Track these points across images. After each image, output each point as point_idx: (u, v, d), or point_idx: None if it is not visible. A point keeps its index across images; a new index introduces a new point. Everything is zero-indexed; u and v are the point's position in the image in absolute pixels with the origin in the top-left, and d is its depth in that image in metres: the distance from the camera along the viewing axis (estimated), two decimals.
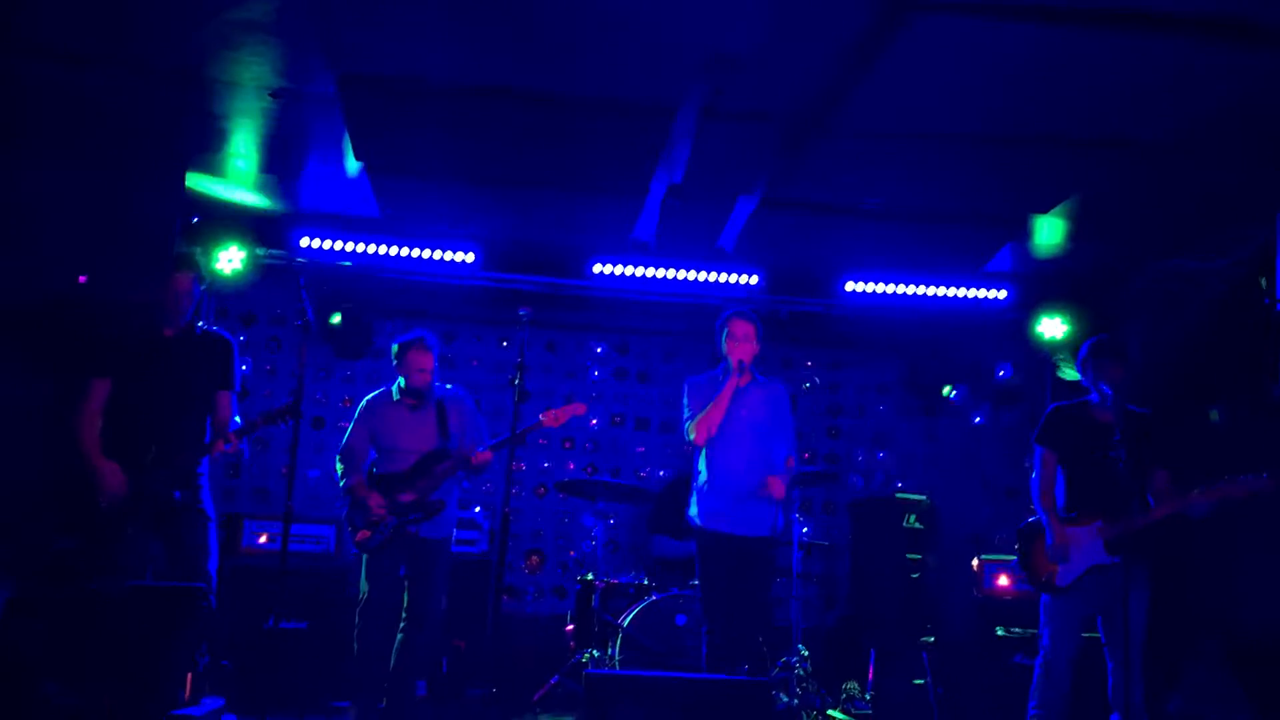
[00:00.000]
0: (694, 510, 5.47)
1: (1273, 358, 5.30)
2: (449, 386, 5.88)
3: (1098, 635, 5.02)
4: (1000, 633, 6.86)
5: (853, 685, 6.83)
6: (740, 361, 5.35)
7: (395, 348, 5.72)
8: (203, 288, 5.33)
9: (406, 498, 5.52)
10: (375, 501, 5.51)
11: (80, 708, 3.91)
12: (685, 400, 5.54)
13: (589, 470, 8.28)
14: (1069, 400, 5.33)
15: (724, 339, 5.44)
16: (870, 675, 7.08)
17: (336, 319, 7.49)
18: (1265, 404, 5.44)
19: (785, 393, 5.62)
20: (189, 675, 4.26)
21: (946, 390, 8.10)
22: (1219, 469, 4.80)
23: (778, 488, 5.25)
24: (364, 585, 5.58)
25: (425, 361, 5.65)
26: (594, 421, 8.36)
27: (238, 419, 5.13)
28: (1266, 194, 5.32)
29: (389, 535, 5.49)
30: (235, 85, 5.12)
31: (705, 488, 5.42)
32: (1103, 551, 4.88)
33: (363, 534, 5.51)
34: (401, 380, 5.70)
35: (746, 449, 5.37)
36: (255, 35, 4.61)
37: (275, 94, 5.19)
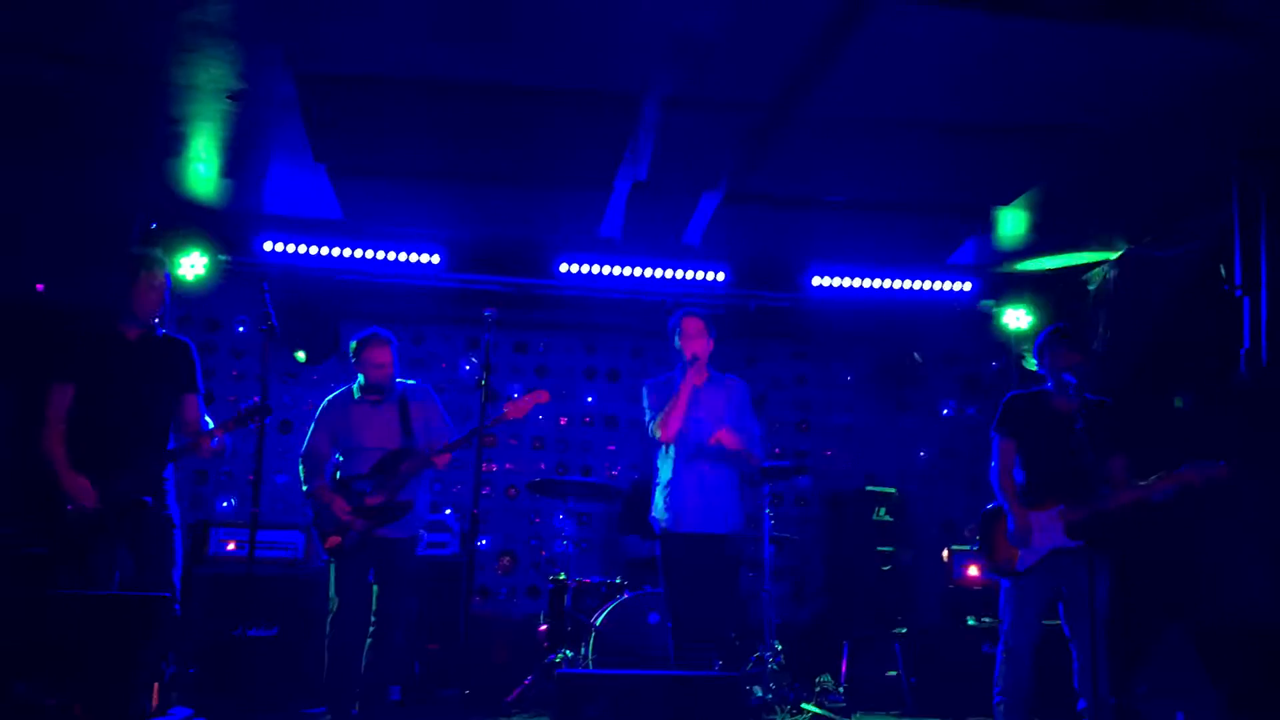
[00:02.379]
0: (658, 512, 5.44)
1: (1234, 343, 5.34)
2: (410, 382, 5.82)
3: (1058, 622, 5.04)
4: (971, 622, 6.92)
5: (826, 678, 6.84)
6: (694, 355, 5.35)
7: (353, 345, 5.66)
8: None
9: (374, 500, 5.44)
10: (340, 506, 5.43)
11: (48, 717, 3.86)
12: (645, 404, 5.54)
13: (560, 470, 8.26)
14: (1026, 389, 5.34)
15: (677, 338, 5.47)
16: (844, 667, 7.12)
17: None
18: (1229, 390, 5.48)
19: (744, 388, 5.61)
20: (155, 685, 4.22)
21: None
22: (1183, 456, 4.84)
23: (728, 439, 5.29)
24: (333, 593, 5.50)
25: (382, 356, 5.56)
26: (563, 420, 8.35)
27: (208, 419, 5.07)
28: (1223, 181, 5.37)
29: (359, 539, 5.44)
30: (193, 88, 5.07)
31: (668, 489, 5.41)
32: (1063, 535, 4.90)
33: (333, 540, 5.43)
34: (361, 378, 5.65)
35: (698, 448, 5.36)
36: (212, 37, 4.57)
37: (234, 96, 5.15)
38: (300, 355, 7.59)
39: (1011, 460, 5.15)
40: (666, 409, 5.34)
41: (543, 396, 5.62)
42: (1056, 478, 4.97)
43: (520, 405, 5.54)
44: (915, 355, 8.14)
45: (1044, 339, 5.22)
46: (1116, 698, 4.75)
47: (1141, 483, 4.83)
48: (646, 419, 5.49)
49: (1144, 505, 4.83)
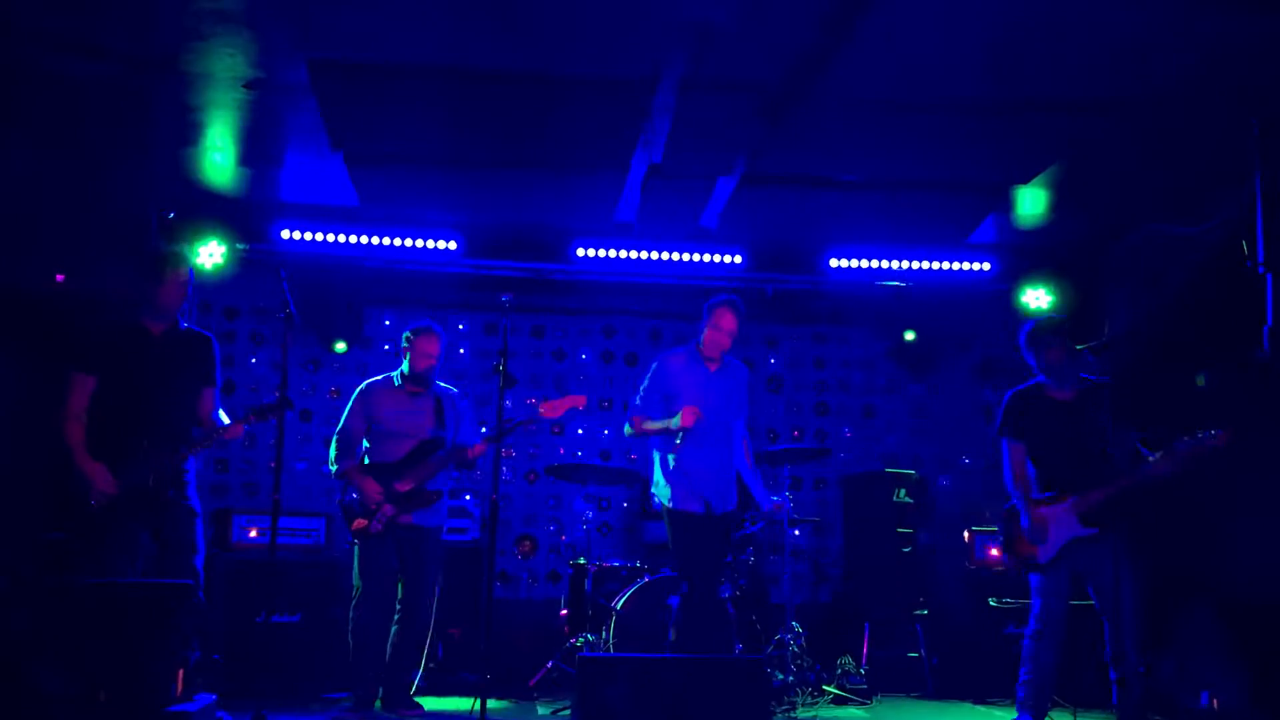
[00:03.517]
0: (662, 492, 5.52)
1: (1255, 321, 5.30)
2: (444, 385, 5.94)
3: (1089, 601, 5.09)
4: (992, 603, 6.90)
5: (847, 660, 6.84)
6: (710, 352, 5.53)
7: (406, 334, 5.81)
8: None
9: (404, 486, 5.54)
10: (372, 489, 5.53)
11: (73, 704, 3.90)
12: (648, 380, 5.59)
13: (578, 454, 8.27)
14: (1023, 384, 5.35)
15: (707, 324, 5.55)
16: (865, 649, 7.10)
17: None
18: (1250, 367, 5.44)
19: (745, 373, 5.79)
20: (180, 671, 4.25)
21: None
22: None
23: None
24: (358, 578, 5.57)
25: (433, 347, 5.74)
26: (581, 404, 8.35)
27: (222, 413, 5.12)
28: (1243, 157, 5.31)
29: (386, 524, 5.50)
30: (209, 77, 5.08)
31: (672, 469, 5.47)
32: (1078, 525, 5.00)
33: (359, 522, 5.51)
34: (405, 366, 5.77)
35: (711, 433, 5.49)
36: (226, 25, 4.58)
37: (249, 85, 5.15)
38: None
39: (1022, 459, 5.22)
40: (652, 427, 5.48)
41: (579, 402, 5.74)
42: (1068, 470, 5.07)
43: (556, 406, 5.64)
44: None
45: (1029, 334, 5.24)
46: (1145, 669, 4.80)
47: (1150, 459, 4.86)
48: (638, 398, 5.60)
49: (1152, 484, 4.86)
